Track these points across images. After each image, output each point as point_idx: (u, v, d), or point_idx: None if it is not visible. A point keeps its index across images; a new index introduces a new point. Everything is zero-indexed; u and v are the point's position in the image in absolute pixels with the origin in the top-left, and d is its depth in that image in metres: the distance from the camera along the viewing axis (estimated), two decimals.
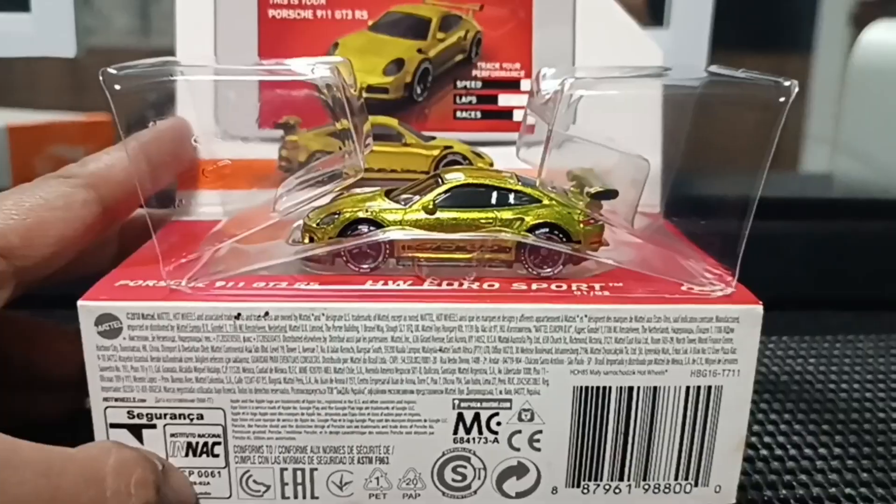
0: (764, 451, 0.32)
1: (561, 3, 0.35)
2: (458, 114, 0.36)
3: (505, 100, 0.36)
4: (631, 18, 0.35)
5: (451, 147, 0.35)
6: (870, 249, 0.47)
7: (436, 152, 0.35)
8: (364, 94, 0.35)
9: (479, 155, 0.35)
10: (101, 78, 0.25)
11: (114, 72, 0.25)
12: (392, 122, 0.35)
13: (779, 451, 0.32)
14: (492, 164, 0.35)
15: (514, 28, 0.35)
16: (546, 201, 0.28)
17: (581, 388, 0.26)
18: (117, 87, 0.25)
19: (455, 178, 0.28)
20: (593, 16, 0.35)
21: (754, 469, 0.30)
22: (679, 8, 0.44)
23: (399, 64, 0.35)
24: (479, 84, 0.36)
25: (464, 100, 0.36)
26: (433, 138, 0.35)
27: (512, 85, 0.36)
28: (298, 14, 0.35)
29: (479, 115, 0.36)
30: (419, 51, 0.35)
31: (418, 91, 0.35)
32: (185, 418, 0.26)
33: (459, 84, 0.36)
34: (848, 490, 0.29)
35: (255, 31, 0.35)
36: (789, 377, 0.38)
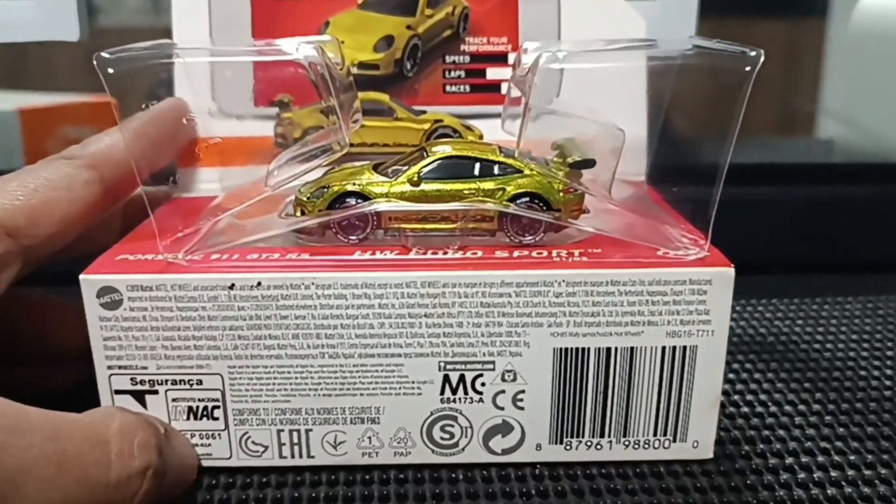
0: (745, 409, 0.32)
1: None
2: (448, 88, 0.36)
3: (493, 73, 0.36)
4: None
5: (441, 121, 0.36)
6: (859, 213, 0.48)
7: (426, 126, 0.36)
8: (355, 71, 0.36)
9: (468, 128, 0.36)
10: (94, 62, 0.26)
11: (107, 55, 0.26)
12: (383, 97, 0.36)
13: (759, 409, 0.32)
14: (481, 137, 0.36)
15: (501, 3, 0.36)
16: (527, 171, 0.29)
17: (561, 349, 0.27)
18: (110, 70, 0.26)
19: (439, 150, 0.29)
20: None
21: (734, 425, 0.31)
22: None
23: (389, 41, 0.36)
24: (468, 59, 0.36)
25: (453, 74, 0.36)
26: (423, 112, 0.36)
27: (499, 59, 0.36)
28: None
29: (467, 88, 0.36)
30: (408, 27, 0.36)
31: (408, 67, 0.36)
32: (185, 384, 0.27)
33: (448, 59, 0.36)
34: (823, 444, 0.30)
35: (249, 12, 0.36)
36: (775, 338, 0.39)
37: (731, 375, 0.35)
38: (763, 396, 0.34)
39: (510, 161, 0.29)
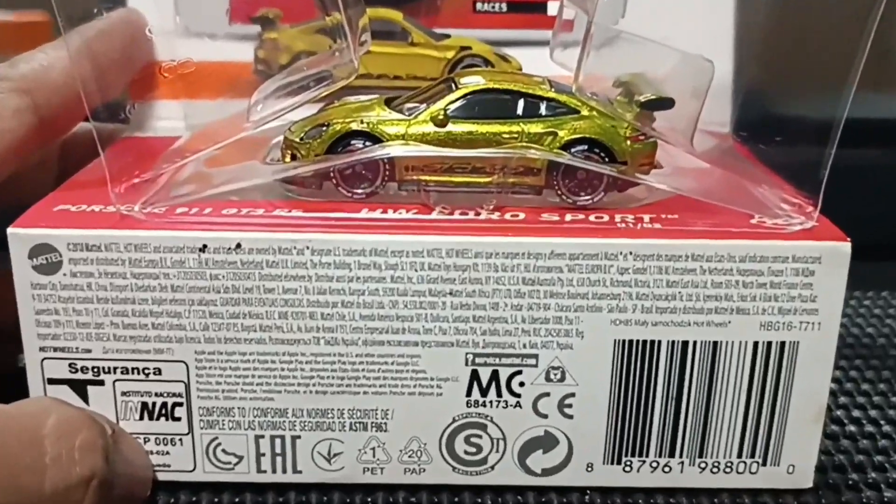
0: (851, 427, 0.32)
1: None
2: (479, 6, 0.36)
3: None
4: None
5: (468, 48, 0.36)
6: None
7: (450, 54, 0.35)
8: None
9: (503, 58, 0.36)
10: None
11: None
12: (396, 15, 0.36)
13: (869, 427, 0.32)
14: (520, 69, 0.35)
15: None
16: (585, 112, 0.28)
17: (624, 341, 0.27)
18: None
19: (472, 82, 0.29)
20: None
21: (838, 447, 0.31)
22: None
23: None
24: None
25: None
26: (447, 36, 0.36)
27: None
28: None
29: (504, 7, 0.36)
30: None
31: None
32: (139, 373, 0.27)
33: None
34: None
35: None
36: (887, 339, 0.39)
37: (832, 385, 0.35)
38: (874, 412, 0.33)
39: (563, 98, 0.28)
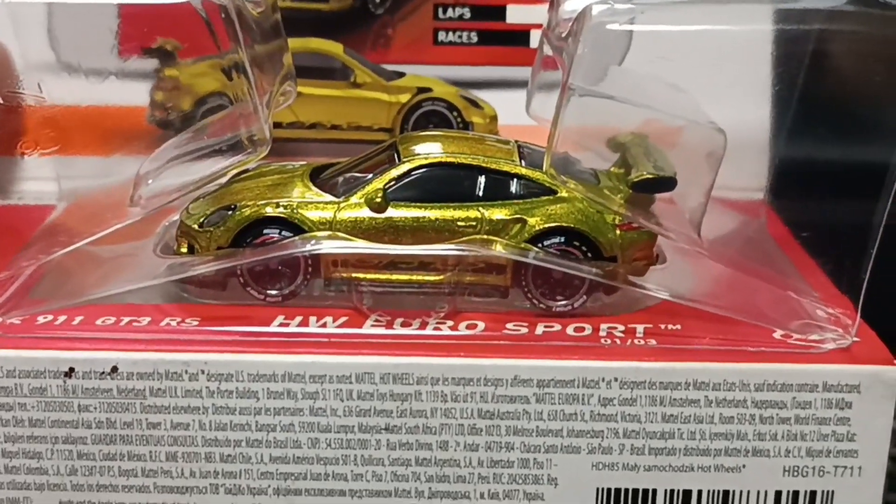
0: None
1: None
2: (442, 35, 0.37)
3: (516, 13, 0.37)
4: None
5: (428, 89, 0.37)
6: None
7: (404, 98, 0.37)
8: (287, 3, 0.36)
9: (473, 103, 0.37)
10: None
11: None
12: (334, 48, 0.37)
13: None
14: (494, 119, 0.37)
15: None
16: (563, 192, 0.29)
17: (608, 491, 0.28)
18: None
19: (420, 152, 0.30)
20: None
21: None
22: None
23: None
24: None
25: (450, 13, 0.37)
26: (401, 75, 0.37)
27: None
28: None
29: (473, 37, 0.37)
30: None
31: None
32: None
33: None
34: None
35: None
36: None
37: None
38: None
39: (536, 175, 0.30)
